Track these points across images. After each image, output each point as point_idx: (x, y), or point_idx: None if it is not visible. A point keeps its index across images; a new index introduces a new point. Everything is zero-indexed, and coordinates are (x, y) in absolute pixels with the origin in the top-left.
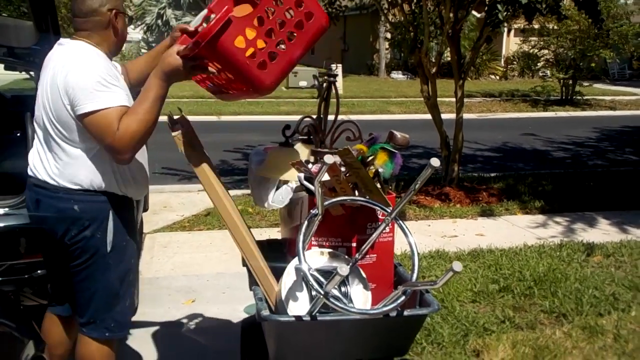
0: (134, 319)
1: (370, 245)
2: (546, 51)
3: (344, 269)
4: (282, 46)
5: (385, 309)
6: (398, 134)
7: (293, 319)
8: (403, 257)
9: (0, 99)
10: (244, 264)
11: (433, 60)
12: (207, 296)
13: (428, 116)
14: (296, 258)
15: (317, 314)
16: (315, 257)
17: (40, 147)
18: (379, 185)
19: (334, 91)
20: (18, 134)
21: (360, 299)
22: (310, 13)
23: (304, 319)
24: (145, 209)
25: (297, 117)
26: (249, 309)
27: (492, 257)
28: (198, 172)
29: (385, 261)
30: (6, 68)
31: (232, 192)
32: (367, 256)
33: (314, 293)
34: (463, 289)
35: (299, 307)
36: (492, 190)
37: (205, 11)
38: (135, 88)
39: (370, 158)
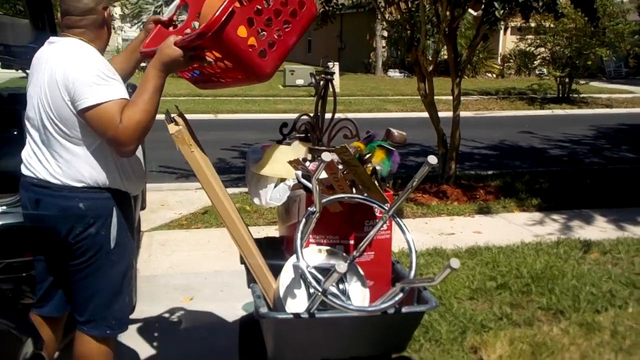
0: (132, 317)
1: (368, 242)
2: (543, 49)
3: (341, 266)
4: (279, 34)
5: (383, 306)
6: (395, 132)
7: (291, 316)
8: (401, 255)
9: None
10: (242, 262)
11: (430, 59)
12: (205, 294)
13: (425, 114)
14: (294, 255)
15: (315, 311)
16: (313, 255)
17: (35, 146)
18: (376, 183)
19: (331, 89)
20: (15, 132)
21: (358, 296)
22: (302, 1)
23: (302, 316)
24: (143, 207)
25: (294, 115)
26: (247, 306)
27: (490, 254)
28: (196, 170)
29: (383, 258)
30: (2, 66)
31: (230, 190)
32: (365, 253)
33: (311, 290)
34: (461, 286)
35: (297, 304)
36: (489, 188)
37: (177, 1)
38: None
39: (367, 156)
